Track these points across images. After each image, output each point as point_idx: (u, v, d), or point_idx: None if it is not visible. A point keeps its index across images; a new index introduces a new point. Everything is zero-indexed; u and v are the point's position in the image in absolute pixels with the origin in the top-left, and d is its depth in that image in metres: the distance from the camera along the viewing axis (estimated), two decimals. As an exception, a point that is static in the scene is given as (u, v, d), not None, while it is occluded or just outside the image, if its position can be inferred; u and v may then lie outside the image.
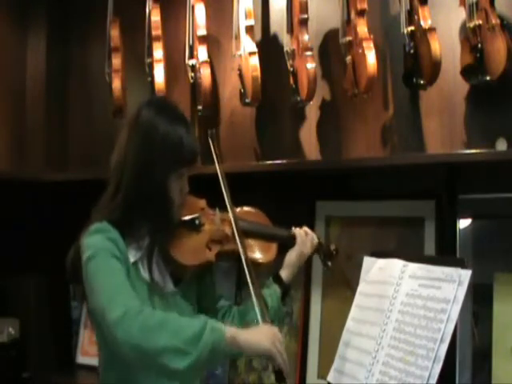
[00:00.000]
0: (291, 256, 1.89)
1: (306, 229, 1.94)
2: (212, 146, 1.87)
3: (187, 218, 1.78)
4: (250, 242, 1.86)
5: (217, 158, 1.84)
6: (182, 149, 1.66)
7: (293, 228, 1.94)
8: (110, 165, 1.72)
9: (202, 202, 1.86)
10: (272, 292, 1.83)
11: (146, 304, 1.59)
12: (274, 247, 1.90)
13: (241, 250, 1.74)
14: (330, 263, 2.00)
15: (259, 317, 1.63)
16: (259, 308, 1.65)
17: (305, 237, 1.91)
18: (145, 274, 1.67)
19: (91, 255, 1.58)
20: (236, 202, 1.88)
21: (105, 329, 1.49)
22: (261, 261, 1.84)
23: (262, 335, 1.55)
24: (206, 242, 1.79)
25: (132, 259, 1.65)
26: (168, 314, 1.54)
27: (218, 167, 1.83)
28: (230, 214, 1.80)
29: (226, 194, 1.81)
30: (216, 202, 1.84)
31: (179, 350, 1.43)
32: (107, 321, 1.48)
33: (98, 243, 1.60)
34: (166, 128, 1.66)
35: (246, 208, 1.95)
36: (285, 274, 1.86)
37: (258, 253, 1.86)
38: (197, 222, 1.79)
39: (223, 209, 1.83)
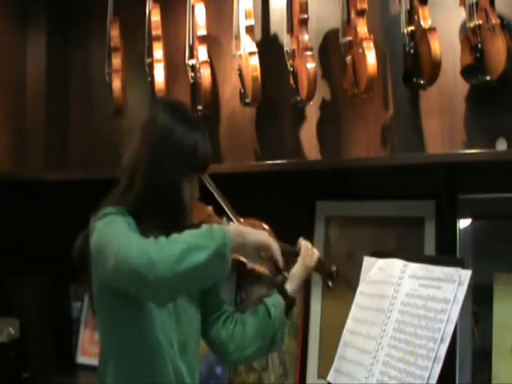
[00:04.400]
0: (295, 268, 1.86)
1: (309, 243, 1.92)
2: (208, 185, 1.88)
3: (195, 224, 1.75)
4: None
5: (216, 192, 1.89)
6: (196, 154, 1.67)
7: (299, 241, 1.90)
8: (121, 164, 1.70)
9: (210, 209, 1.87)
10: (275, 302, 1.81)
11: (149, 304, 1.60)
12: None
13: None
14: (330, 283, 1.97)
15: (234, 219, 1.78)
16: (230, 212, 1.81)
17: (309, 249, 1.88)
18: None
19: (106, 222, 1.58)
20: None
21: (133, 282, 1.46)
22: (263, 271, 1.82)
23: (257, 230, 1.70)
24: None
25: None
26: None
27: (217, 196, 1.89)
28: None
29: (227, 208, 1.84)
30: (222, 210, 1.86)
31: (197, 245, 1.46)
32: (124, 256, 1.45)
33: (113, 217, 1.59)
34: (183, 133, 1.66)
35: (250, 220, 1.92)
36: (289, 286, 1.83)
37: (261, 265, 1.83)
38: None
39: (229, 218, 1.84)
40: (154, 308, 1.62)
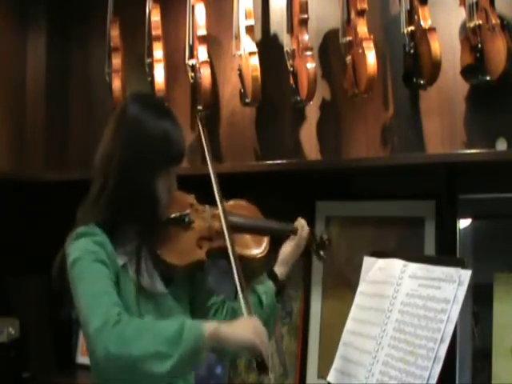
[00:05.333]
0: (286, 251, 1.83)
1: (303, 222, 1.89)
2: (201, 128, 1.82)
3: (176, 215, 1.72)
4: (242, 236, 1.79)
5: (206, 146, 1.81)
6: (169, 144, 1.62)
7: (296, 222, 1.88)
8: (94, 163, 1.67)
9: (191, 198, 1.81)
10: (267, 289, 1.78)
11: (132, 307, 1.57)
12: (265, 241, 1.83)
13: (228, 240, 1.68)
14: (322, 253, 1.93)
15: (244, 310, 1.60)
16: (244, 301, 1.61)
17: (305, 230, 1.86)
18: (134, 277, 1.63)
19: (75, 258, 1.55)
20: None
21: (86, 339, 1.49)
22: (253, 255, 1.79)
23: (243, 327, 1.51)
24: (197, 239, 1.72)
25: (121, 262, 1.61)
26: (145, 319, 1.51)
27: (208, 157, 1.80)
28: (220, 209, 1.73)
29: (215, 186, 1.76)
30: (205, 198, 1.80)
31: (159, 353, 1.40)
32: (87, 333, 1.46)
33: (83, 246, 1.56)
34: (153, 124, 1.61)
35: (235, 201, 1.89)
36: (280, 270, 1.82)
37: (250, 247, 1.80)
38: (186, 219, 1.72)
39: (213, 204, 1.76)
40: (142, 314, 1.60)
